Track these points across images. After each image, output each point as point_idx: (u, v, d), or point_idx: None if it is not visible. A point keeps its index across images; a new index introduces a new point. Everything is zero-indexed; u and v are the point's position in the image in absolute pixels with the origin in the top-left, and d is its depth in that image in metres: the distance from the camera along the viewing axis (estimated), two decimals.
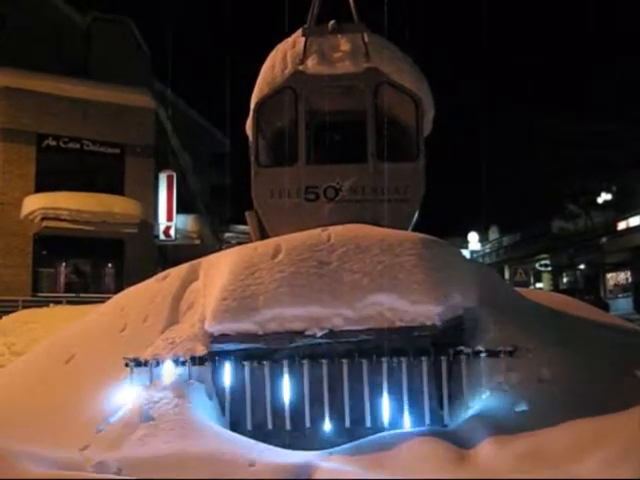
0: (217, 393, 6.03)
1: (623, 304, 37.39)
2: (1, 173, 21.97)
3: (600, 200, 45.75)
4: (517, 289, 8.15)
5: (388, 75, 8.06)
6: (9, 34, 25.17)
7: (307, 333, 5.91)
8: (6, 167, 22.02)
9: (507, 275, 42.70)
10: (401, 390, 5.86)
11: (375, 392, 5.89)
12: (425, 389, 5.86)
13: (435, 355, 5.92)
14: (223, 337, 6.00)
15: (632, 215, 40.25)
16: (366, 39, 8.11)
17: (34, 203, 21.50)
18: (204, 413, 5.67)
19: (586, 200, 45.79)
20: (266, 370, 5.99)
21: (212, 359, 6.01)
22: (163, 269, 8.22)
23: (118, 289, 16.09)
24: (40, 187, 22.09)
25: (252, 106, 8.35)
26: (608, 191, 45.23)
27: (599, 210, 45.08)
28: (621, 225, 41.48)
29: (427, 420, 5.79)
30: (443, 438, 5.23)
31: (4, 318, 17.83)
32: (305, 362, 5.93)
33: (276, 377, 5.99)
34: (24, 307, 19.63)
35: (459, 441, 5.17)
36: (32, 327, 16.23)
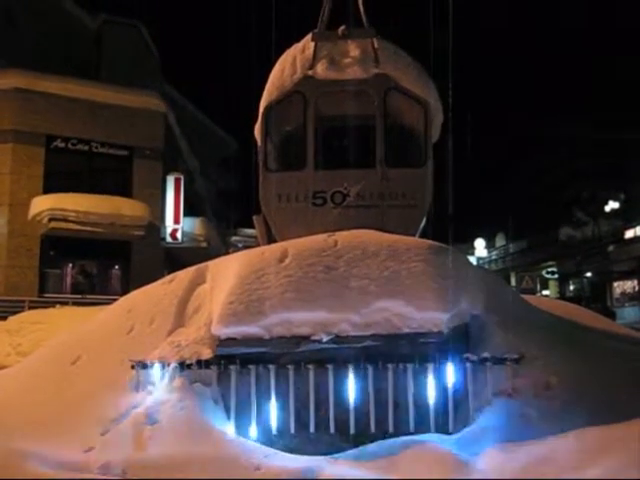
0: (223, 397, 6.02)
1: (630, 313, 37.31)
2: (10, 174, 22.03)
3: (608, 208, 45.69)
4: (524, 296, 8.13)
5: (397, 81, 8.06)
6: (20, 36, 25.32)
7: (313, 338, 5.90)
8: (15, 168, 22.08)
9: (513, 282, 42.63)
10: (406, 396, 5.85)
11: (380, 398, 5.88)
12: (431, 396, 5.84)
13: (441, 362, 5.91)
14: (229, 341, 6.00)
15: None
16: (376, 45, 8.12)
17: (42, 204, 21.55)
18: (210, 417, 5.68)
19: (594, 208, 45.73)
20: (272, 374, 5.99)
21: (218, 363, 6.00)
22: (170, 272, 8.24)
23: (124, 291, 16.14)
24: (48, 188, 22.13)
25: (261, 110, 8.37)
26: (616, 199, 45.17)
27: (607, 218, 45.02)
28: (629, 234, 41.37)
29: (432, 427, 5.77)
30: (448, 445, 5.23)
31: (10, 318, 17.88)
32: (311, 367, 5.92)
33: (282, 382, 5.99)
34: (30, 308, 19.66)
35: (464, 448, 5.17)
36: (38, 328, 16.26)
